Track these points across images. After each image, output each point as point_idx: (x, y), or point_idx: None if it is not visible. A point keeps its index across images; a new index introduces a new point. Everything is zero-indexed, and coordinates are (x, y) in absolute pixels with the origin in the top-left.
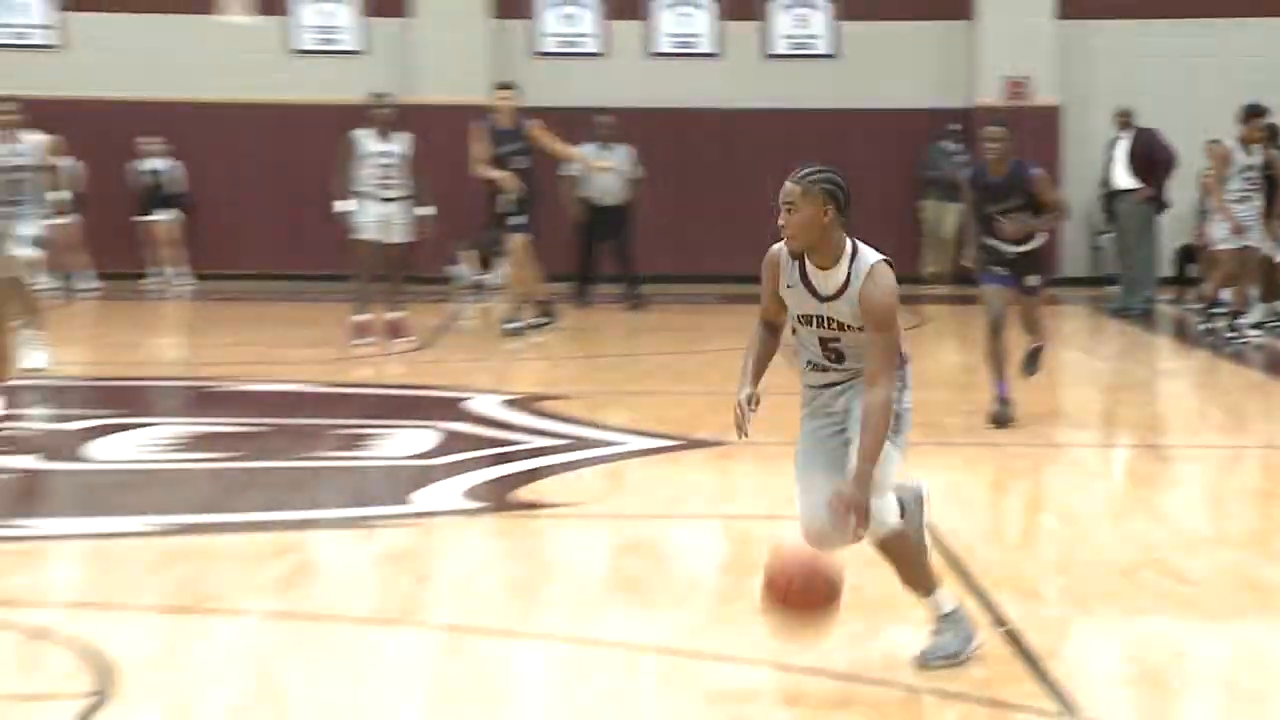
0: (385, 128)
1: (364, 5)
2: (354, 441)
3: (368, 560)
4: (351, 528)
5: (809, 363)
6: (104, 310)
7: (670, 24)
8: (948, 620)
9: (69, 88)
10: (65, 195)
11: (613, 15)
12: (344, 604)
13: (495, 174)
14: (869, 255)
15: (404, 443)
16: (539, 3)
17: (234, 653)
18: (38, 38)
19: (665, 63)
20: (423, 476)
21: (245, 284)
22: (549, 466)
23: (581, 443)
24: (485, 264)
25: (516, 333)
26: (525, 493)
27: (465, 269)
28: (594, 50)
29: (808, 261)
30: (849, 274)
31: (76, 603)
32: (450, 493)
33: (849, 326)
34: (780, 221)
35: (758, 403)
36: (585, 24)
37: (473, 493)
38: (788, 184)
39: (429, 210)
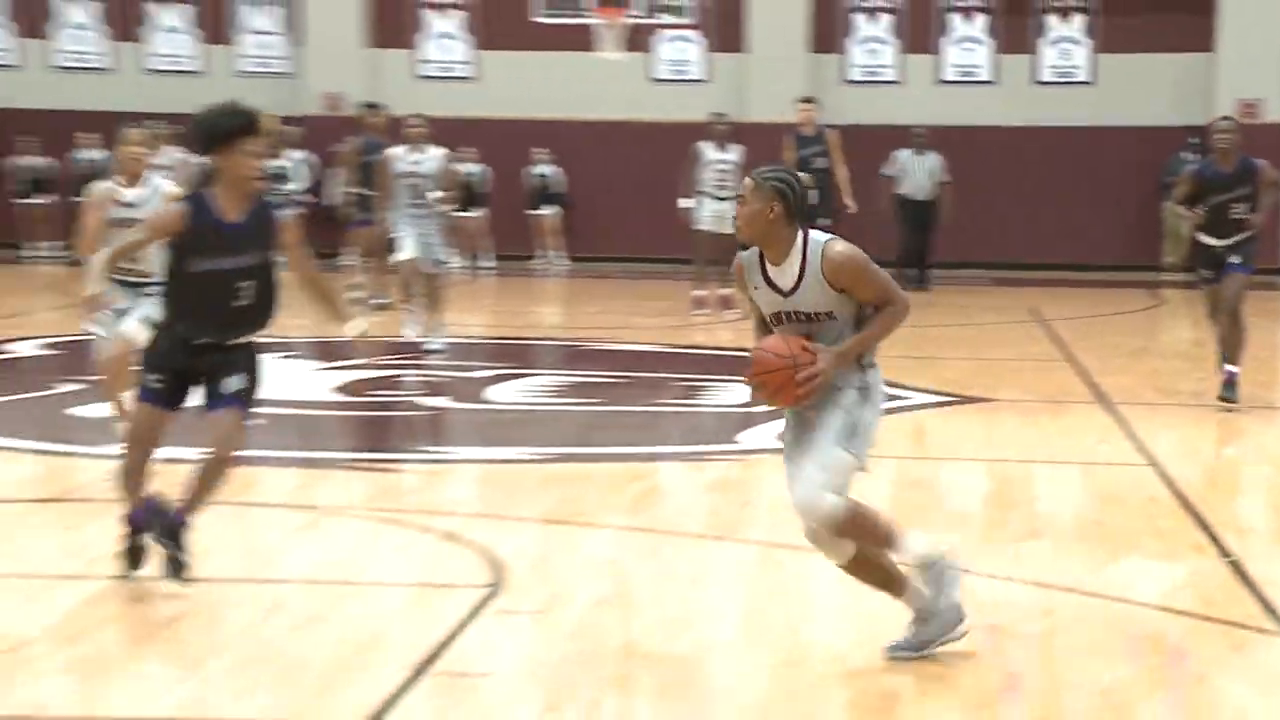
0: (723, 140)
1: (709, 43)
2: (691, 392)
3: (701, 487)
4: (689, 460)
5: None
6: (500, 284)
7: (956, 57)
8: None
9: (481, 109)
10: (456, 199)
11: (908, 49)
12: (681, 522)
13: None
14: (819, 238)
15: (731, 394)
16: (849, 40)
17: (596, 558)
18: (459, 71)
19: (951, 89)
20: (745, 421)
21: (609, 265)
22: None
23: None
24: None
25: None
26: None
27: None
28: (893, 79)
29: (766, 261)
30: (803, 261)
31: (477, 514)
32: (767, 435)
33: (817, 315)
34: (733, 213)
35: None
36: (886, 57)
37: None
38: (745, 179)
39: None
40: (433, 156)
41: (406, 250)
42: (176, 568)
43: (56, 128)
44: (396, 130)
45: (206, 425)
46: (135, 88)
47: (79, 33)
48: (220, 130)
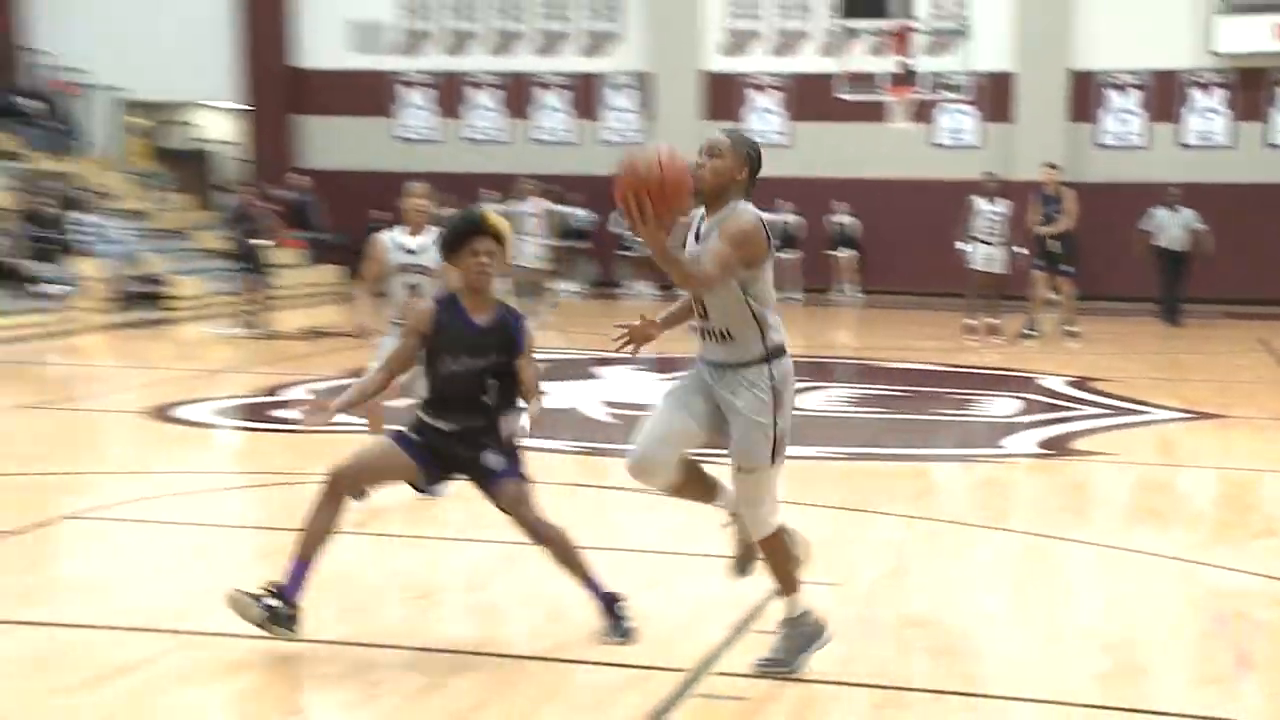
0: (993, 195)
1: (982, 114)
2: (962, 404)
3: (970, 484)
4: (959, 461)
5: (694, 329)
6: (805, 313)
7: (1196, 124)
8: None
9: (794, 170)
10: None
11: (1154, 119)
12: (953, 512)
13: (1038, 228)
14: (743, 204)
15: (996, 406)
16: (1101, 110)
17: (881, 540)
18: (776, 139)
19: (1192, 152)
20: (1009, 429)
21: (895, 297)
22: (1097, 427)
23: (1120, 412)
24: (1055, 289)
25: (1073, 336)
26: (1080, 444)
27: (1038, 290)
28: (1139, 144)
29: (706, 214)
30: (722, 217)
31: (785, 500)
32: (1028, 442)
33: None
34: (699, 162)
35: (651, 324)
36: (1134, 125)
37: (1044, 443)
38: (720, 135)
39: (1020, 251)
40: None
41: None
42: (622, 634)
43: (466, 187)
44: None
45: (499, 508)
46: (523, 155)
47: (484, 113)
48: (452, 234)
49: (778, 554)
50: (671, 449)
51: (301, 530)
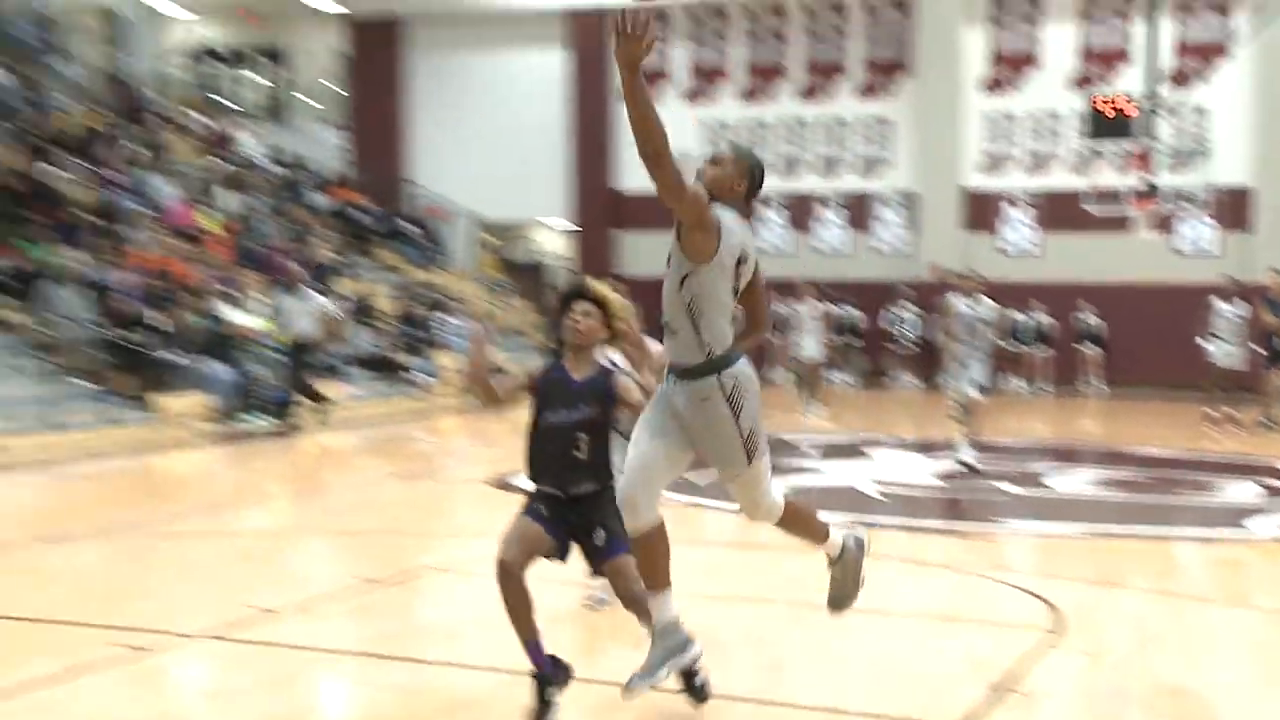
0: (1231, 297)
1: (1221, 224)
2: (1204, 487)
3: (1214, 562)
4: (1203, 541)
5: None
6: (1056, 404)
7: None
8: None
9: (1044, 276)
10: (1011, 343)
11: None
12: (1199, 589)
13: (1268, 323)
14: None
15: (1237, 490)
16: None
17: (1130, 613)
18: (1029, 248)
19: None
20: (1250, 512)
21: (1138, 390)
22: None
23: None
24: None
25: None
26: None
27: (1273, 385)
28: None
29: None
30: None
31: (1039, 572)
32: (1270, 524)
33: (670, 260)
34: (699, 169)
35: None
36: None
37: None
38: (726, 149)
39: (1257, 349)
40: (986, 305)
41: (961, 383)
42: (696, 694)
43: None
44: (987, 291)
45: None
46: (805, 262)
47: (773, 227)
48: (558, 300)
49: (796, 524)
50: (653, 477)
51: (509, 618)
